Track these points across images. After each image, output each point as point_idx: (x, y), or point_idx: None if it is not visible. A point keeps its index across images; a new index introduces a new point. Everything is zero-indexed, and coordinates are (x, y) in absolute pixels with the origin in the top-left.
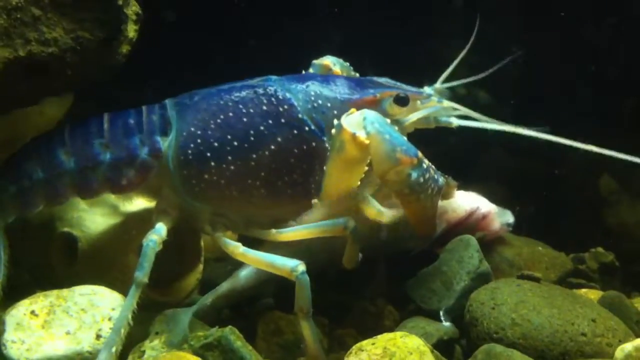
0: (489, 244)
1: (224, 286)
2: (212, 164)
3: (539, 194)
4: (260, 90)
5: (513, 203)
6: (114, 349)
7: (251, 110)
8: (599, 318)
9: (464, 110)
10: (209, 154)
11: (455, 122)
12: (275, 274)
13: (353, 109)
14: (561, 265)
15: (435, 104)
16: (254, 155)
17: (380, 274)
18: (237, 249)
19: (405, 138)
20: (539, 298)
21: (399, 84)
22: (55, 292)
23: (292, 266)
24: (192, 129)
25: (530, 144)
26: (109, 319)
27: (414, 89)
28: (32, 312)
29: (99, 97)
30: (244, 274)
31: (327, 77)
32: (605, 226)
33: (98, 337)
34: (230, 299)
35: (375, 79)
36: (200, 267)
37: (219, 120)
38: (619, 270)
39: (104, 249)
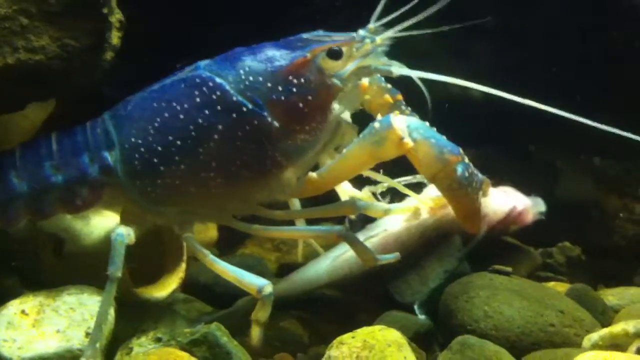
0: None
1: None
2: (162, 168)
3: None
4: (190, 82)
5: None
6: (97, 345)
7: (186, 106)
8: (567, 309)
9: (400, 35)
10: (156, 160)
11: (396, 71)
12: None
13: (395, 116)
14: (531, 260)
15: (369, 47)
16: (201, 150)
17: None
18: (206, 257)
19: (444, 137)
20: (510, 291)
21: (330, 34)
22: (44, 292)
23: (260, 285)
24: (133, 140)
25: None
26: None
27: (346, 36)
28: (23, 312)
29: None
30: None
31: (254, 48)
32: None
33: (87, 334)
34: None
35: (305, 35)
36: (183, 265)
37: (156, 125)
38: (585, 264)
39: (92, 250)
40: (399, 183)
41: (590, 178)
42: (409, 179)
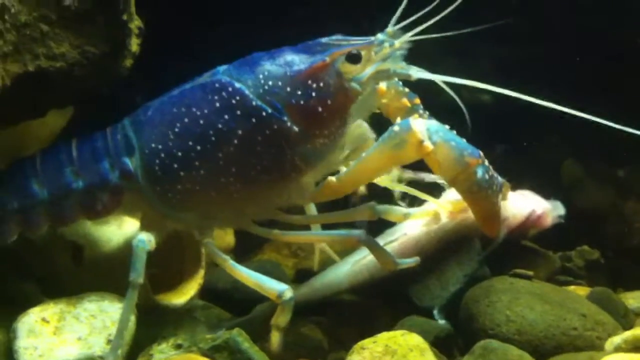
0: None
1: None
2: (182, 174)
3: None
4: (210, 87)
5: None
6: (119, 352)
7: (205, 111)
8: (588, 313)
9: (418, 38)
10: (176, 166)
11: (414, 74)
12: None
13: (414, 119)
14: (549, 264)
15: (388, 50)
16: (220, 154)
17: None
18: (226, 262)
19: (463, 139)
20: (532, 295)
21: (348, 37)
22: (64, 299)
23: (280, 290)
24: (153, 145)
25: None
26: None
27: (364, 40)
28: (43, 319)
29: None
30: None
31: (272, 53)
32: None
33: (109, 341)
34: None
35: (323, 39)
36: (202, 272)
37: (176, 130)
38: (604, 267)
39: (111, 256)
40: (420, 182)
41: (600, 181)
42: (434, 177)
